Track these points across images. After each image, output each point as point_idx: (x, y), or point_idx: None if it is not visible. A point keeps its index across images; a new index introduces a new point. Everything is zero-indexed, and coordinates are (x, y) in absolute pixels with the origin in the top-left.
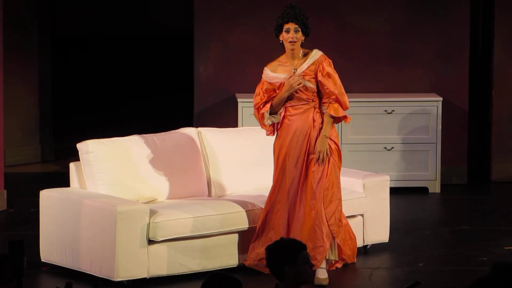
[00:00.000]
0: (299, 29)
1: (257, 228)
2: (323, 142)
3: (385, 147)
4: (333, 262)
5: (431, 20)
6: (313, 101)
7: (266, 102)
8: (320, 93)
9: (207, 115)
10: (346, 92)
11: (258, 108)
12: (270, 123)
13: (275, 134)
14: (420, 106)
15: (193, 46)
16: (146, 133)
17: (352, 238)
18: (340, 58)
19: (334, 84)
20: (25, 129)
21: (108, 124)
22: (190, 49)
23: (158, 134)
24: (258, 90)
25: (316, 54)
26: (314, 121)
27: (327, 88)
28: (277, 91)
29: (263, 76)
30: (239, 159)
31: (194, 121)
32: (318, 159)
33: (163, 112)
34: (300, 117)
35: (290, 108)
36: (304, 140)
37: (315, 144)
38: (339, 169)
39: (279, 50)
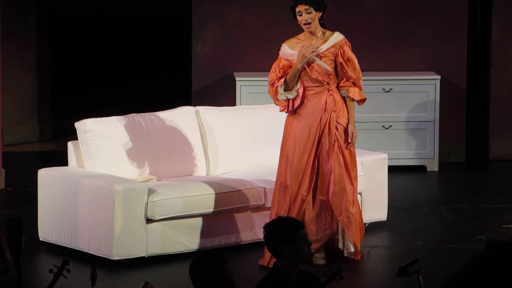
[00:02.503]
0: (310, 9)
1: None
2: (354, 129)
3: (383, 126)
4: (352, 255)
5: None
6: (328, 84)
7: (280, 78)
8: (336, 76)
9: (205, 94)
10: None
11: (272, 84)
12: (284, 98)
13: (289, 111)
14: (418, 84)
15: (191, 25)
16: (144, 112)
17: (361, 227)
18: None
19: (353, 69)
20: (23, 108)
21: (106, 103)
22: (188, 28)
23: (156, 113)
24: (274, 66)
25: (338, 37)
26: (326, 104)
27: (347, 72)
28: None
29: (280, 52)
30: (237, 138)
31: (192, 100)
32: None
33: (161, 91)
34: (313, 100)
35: (305, 89)
36: (315, 124)
37: (327, 129)
38: (353, 155)
39: (278, 29)
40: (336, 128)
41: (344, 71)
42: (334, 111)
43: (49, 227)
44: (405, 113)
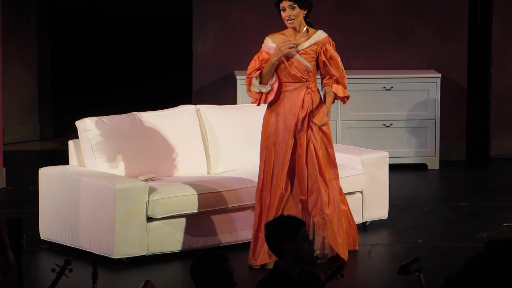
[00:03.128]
0: (295, 5)
1: (255, 229)
2: (329, 112)
3: (384, 124)
4: (324, 257)
5: None
6: (306, 81)
7: (257, 69)
8: (318, 74)
9: (205, 93)
10: (345, 68)
11: (249, 74)
12: (257, 90)
13: (261, 105)
14: (419, 82)
15: (192, 24)
16: (145, 111)
17: (352, 225)
18: (339, 35)
19: (336, 67)
20: (23, 107)
21: (106, 102)
22: (189, 27)
23: (157, 111)
24: (254, 58)
25: (321, 35)
26: (303, 101)
27: (330, 70)
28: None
29: (262, 45)
30: (238, 136)
31: (193, 98)
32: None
33: (162, 90)
34: (289, 95)
35: (282, 84)
36: (292, 121)
37: (305, 128)
38: (331, 156)
39: (278, 27)
40: (311, 128)
41: (327, 69)
42: (311, 111)
43: (50, 226)
44: (406, 112)
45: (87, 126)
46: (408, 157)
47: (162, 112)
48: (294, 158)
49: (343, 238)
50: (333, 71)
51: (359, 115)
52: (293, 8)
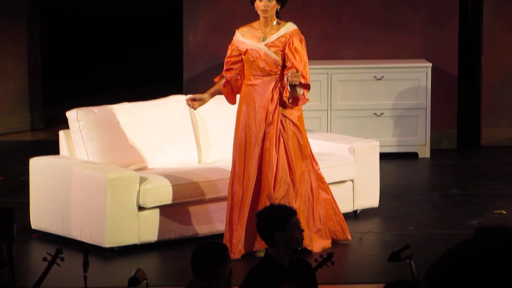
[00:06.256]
0: None
1: (227, 221)
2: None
3: (374, 113)
4: None
5: None
6: (276, 74)
7: (227, 70)
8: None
9: (196, 83)
10: (336, 58)
11: (223, 69)
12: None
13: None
14: (409, 72)
15: (182, 14)
16: (135, 101)
17: (337, 213)
18: (331, 24)
19: (300, 60)
20: (14, 98)
21: (98, 93)
22: (179, 18)
23: (148, 101)
24: (228, 48)
25: (289, 27)
26: (273, 94)
27: (292, 63)
28: (243, 56)
29: (234, 38)
30: (229, 126)
31: (184, 88)
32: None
33: (153, 80)
34: (259, 88)
35: (251, 77)
36: (261, 113)
37: (275, 121)
38: (303, 148)
39: None
40: (281, 122)
41: (291, 61)
42: (282, 103)
43: (41, 216)
44: (397, 101)
45: (77, 116)
46: (399, 145)
47: (152, 102)
48: (262, 152)
49: (323, 229)
50: (296, 64)
51: (350, 104)
52: (270, 0)
